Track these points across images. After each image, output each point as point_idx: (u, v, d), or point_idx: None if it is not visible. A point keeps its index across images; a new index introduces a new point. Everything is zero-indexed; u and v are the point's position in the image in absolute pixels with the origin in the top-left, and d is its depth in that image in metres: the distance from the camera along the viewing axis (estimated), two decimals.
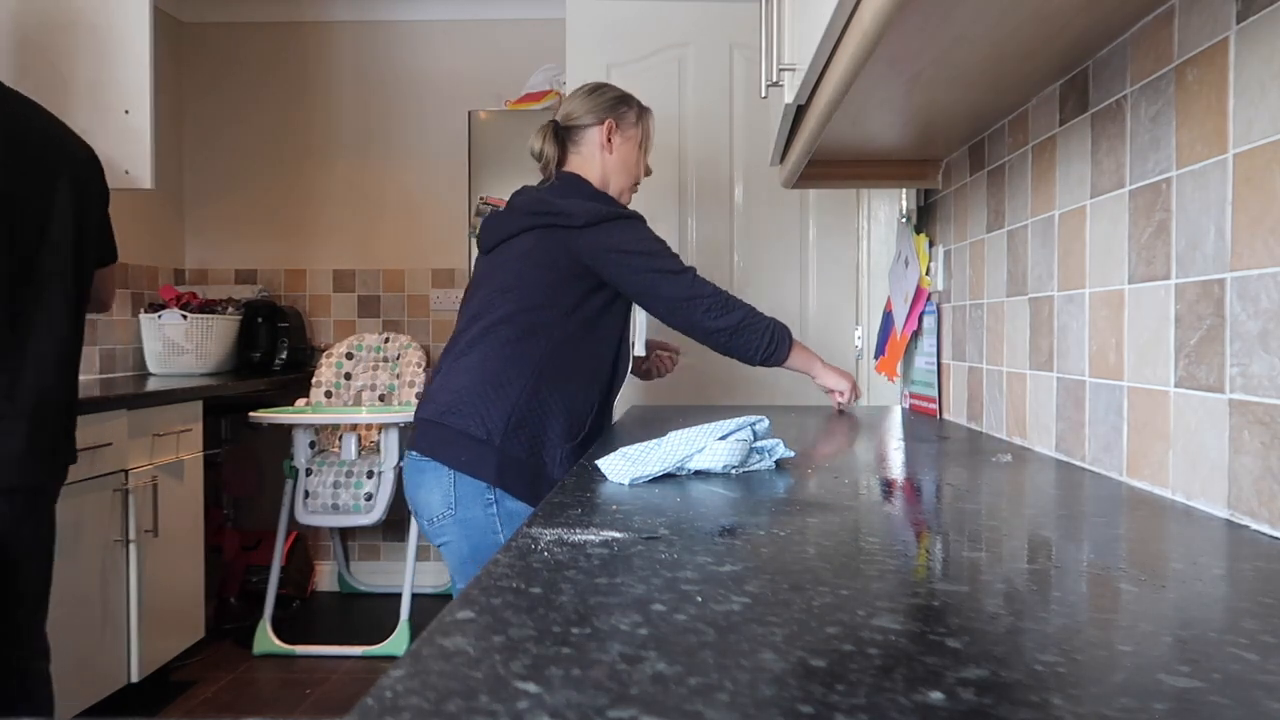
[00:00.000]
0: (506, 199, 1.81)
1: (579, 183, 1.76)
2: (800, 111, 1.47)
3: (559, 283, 1.65)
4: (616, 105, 1.81)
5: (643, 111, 1.86)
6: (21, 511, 1.81)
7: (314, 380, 3.58)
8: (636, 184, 1.88)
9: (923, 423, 1.83)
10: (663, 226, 2.74)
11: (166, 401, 2.77)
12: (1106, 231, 1.16)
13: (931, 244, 2.02)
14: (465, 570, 1.61)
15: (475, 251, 3.39)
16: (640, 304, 1.73)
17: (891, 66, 1.18)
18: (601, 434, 1.68)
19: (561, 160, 1.81)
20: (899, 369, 2.19)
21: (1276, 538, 0.79)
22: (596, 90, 1.83)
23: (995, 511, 0.94)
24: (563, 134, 1.81)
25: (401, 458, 3.53)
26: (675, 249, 2.73)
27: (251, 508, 3.86)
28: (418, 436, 1.66)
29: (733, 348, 1.74)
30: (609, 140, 1.79)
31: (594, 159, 1.80)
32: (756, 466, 1.18)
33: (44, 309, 1.82)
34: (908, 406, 2.18)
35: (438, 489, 1.60)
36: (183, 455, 2.85)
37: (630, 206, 1.79)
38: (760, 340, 1.73)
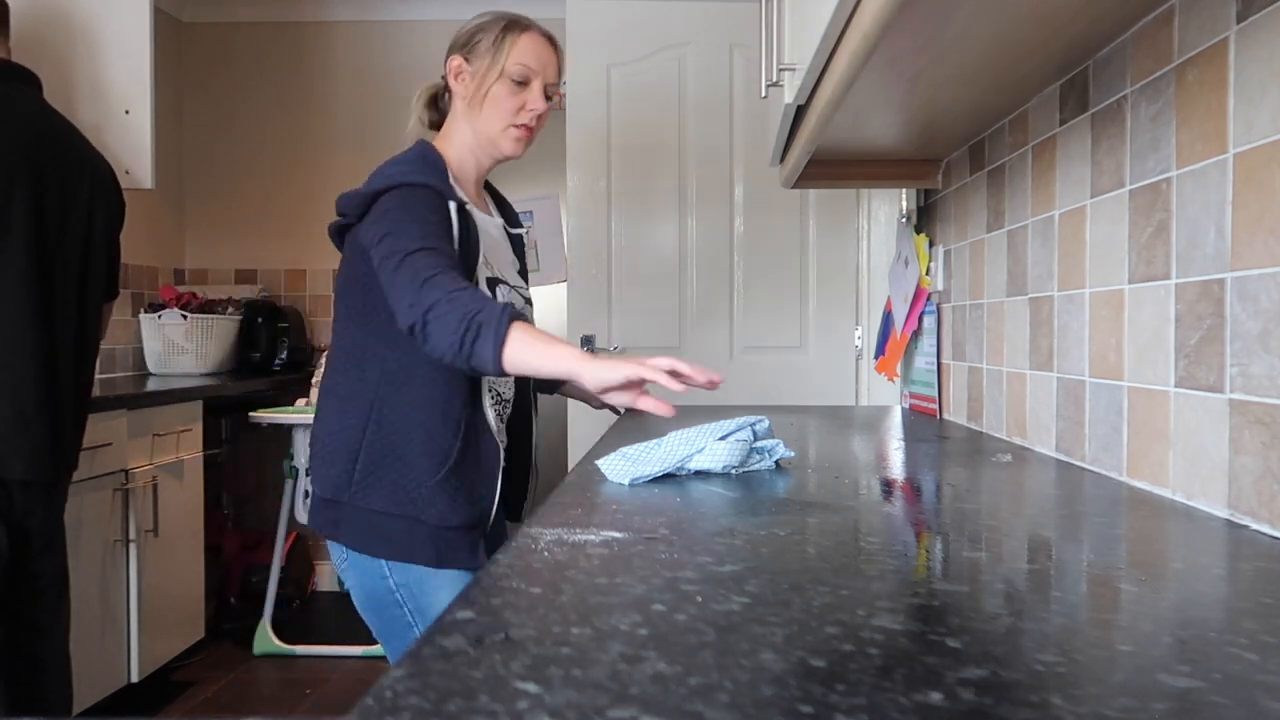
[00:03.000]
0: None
1: (395, 160, 1.40)
2: (800, 111, 1.47)
3: (367, 294, 1.33)
4: (473, 35, 1.44)
5: (510, 30, 1.43)
6: (39, 505, 1.87)
7: (314, 380, 3.57)
8: (523, 125, 1.44)
9: (923, 423, 1.83)
10: (663, 226, 2.75)
11: (166, 401, 2.77)
12: (1106, 231, 1.16)
13: (931, 244, 2.02)
14: (367, 615, 1.39)
15: None
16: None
17: (891, 66, 1.18)
18: (481, 454, 1.37)
19: (434, 123, 1.53)
20: (899, 369, 2.19)
21: (1276, 538, 0.79)
22: (460, 30, 1.48)
23: (995, 511, 0.94)
24: (443, 92, 1.51)
25: None
26: (675, 249, 2.76)
27: (251, 508, 3.86)
28: None
29: (441, 354, 1.21)
30: (456, 79, 1.44)
31: (452, 108, 1.48)
32: (756, 466, 1.17)
33: (66, 315, 1.91)
34: (908, 406, 2.18)
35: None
36: (183, 455, 2.85)
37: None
38: (457, 340, 1.18)
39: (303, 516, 3.15)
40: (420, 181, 1.33)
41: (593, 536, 0.79)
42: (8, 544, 1.80)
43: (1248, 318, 0.84)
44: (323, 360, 3.56)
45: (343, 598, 3.81)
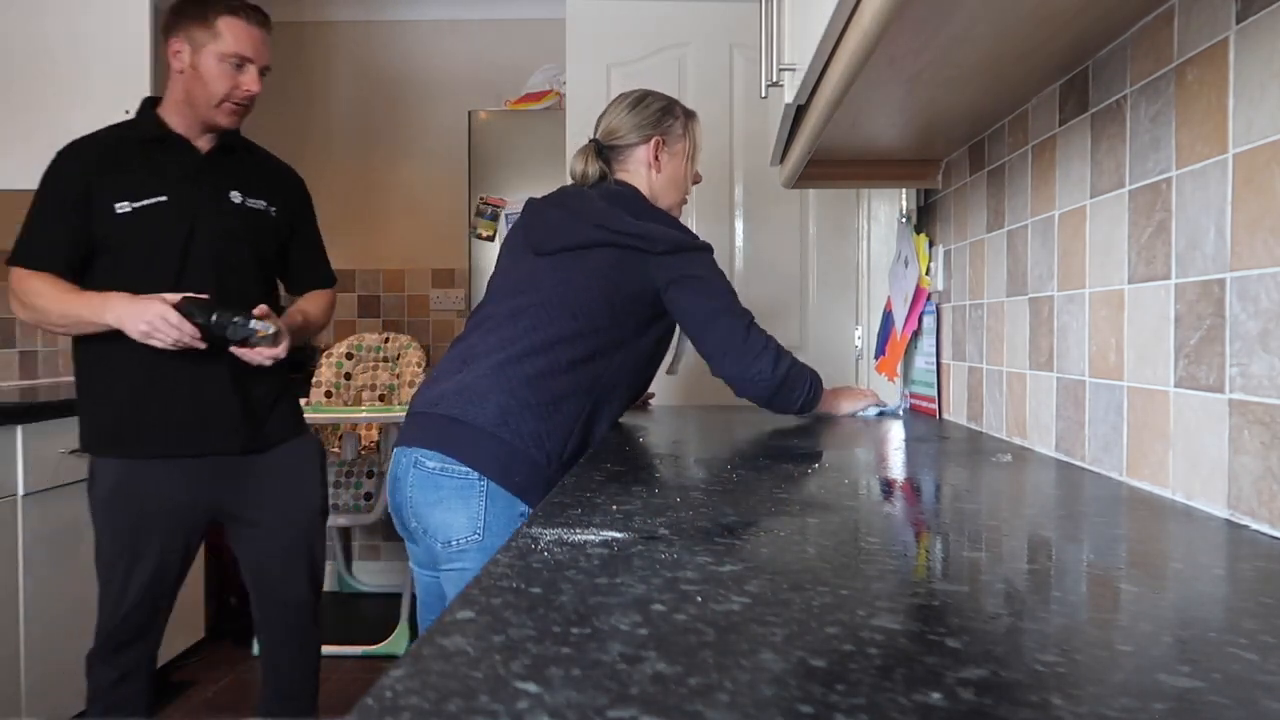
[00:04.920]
0: (506, 199, 1.80)
1: (641, 199, 1.68)
2: (800, 111, 1.47)
3: (626, 306, 1.58)
4: (662, 119, 1.74)
5: (689, 119, 1.78)
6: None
7: (314, 380, 3.58)
8: (685, 198, 1.81)
9: (923, 423, 1.83)
10: None
11: None
12: (1106, 231, 1.16)
13: (931, 244, 2.02)
14: (485, 554, 1.47)
15: (474, 251, 3.41)
16: (693, 339, 1.64)
17: (891, 66, 1.18)
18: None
19: (605, 179, 1.73)
20: (899, 369, 2.19)
21: (1276, 538, 0.79)
22: (640, 103, 1.75)
23: (995, 511, 0.94)
24: (605, 152, 1.74)
25: None
26: None
27: None
28: (445, 440, 1.47)
29: (773, 402, 1.67)
30: (656, 158, 1.72)
31: (640, 176, 1.72)
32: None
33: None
34: (907, 406, 2.18)
35: (463, 510, 1.44)
36: None
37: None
38: (800, 395, 1.68)
39: None
40: (710, 246, 1.66)
41: (593, 536, 0.79)
42: None
43: (1248, 318, 0.85)
44: (323, 359, 3.57)
45: (343, 598, 3.81)
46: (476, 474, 1.44)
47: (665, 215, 1.67)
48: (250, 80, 1.86)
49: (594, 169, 1.72)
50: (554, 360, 1.52)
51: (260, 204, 1.98)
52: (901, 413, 1.95)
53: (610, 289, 1.57)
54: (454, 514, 1.44)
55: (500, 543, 1.43)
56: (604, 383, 1.56)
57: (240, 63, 1.84)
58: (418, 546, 1.56)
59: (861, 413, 1.85)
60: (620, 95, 1.78)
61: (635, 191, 1.70)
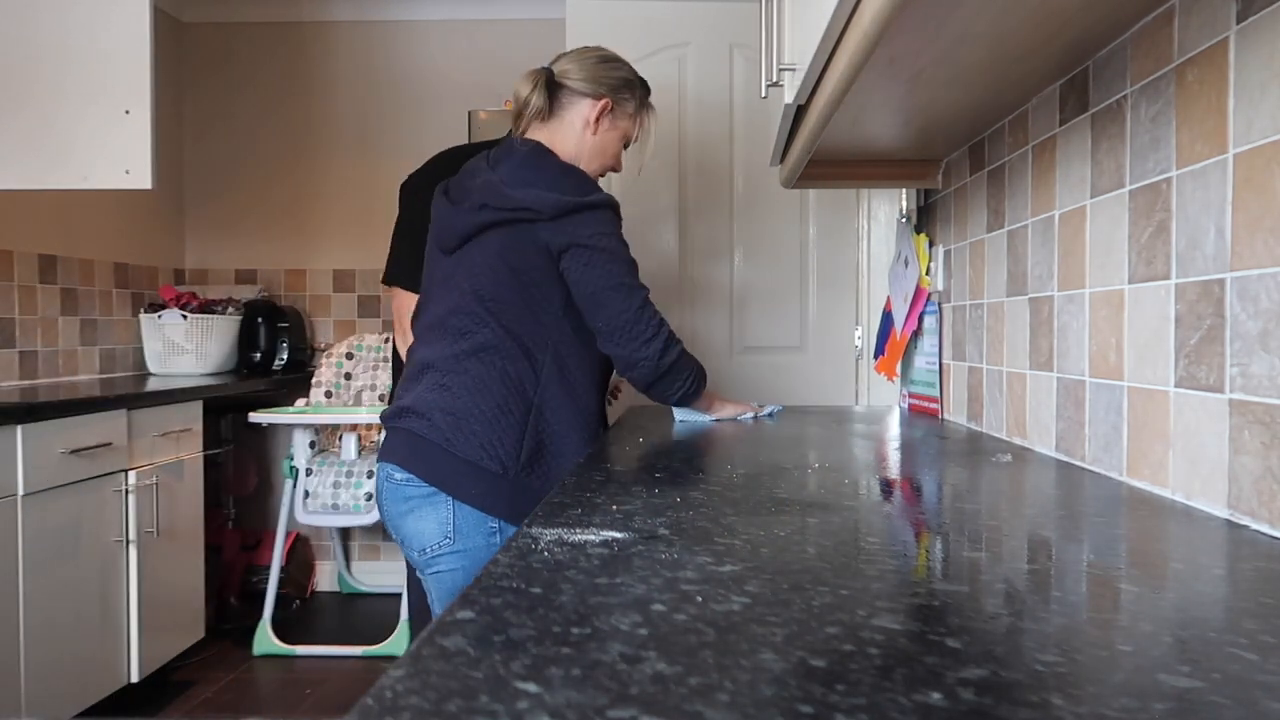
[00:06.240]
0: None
1: (539, 159, 1.54)
2: (800, 111, 1.47)
3: (535, 284, 1.48)
4: (620, 89, 1.64)
5: (644, 106, 1.70)
6: None
7: (314, 380, 3.58)
8: (607, 172, 1.71)
9: (923, 423, 1.83)
10: (663, 226, 2.75)
11: (166, 401, 2.77)
12: (1106, 231, 1.16)
13: (931, 244, 2.02)
14: (459, 578, 1.49)
15: None
16: (584, 313, 1.51)
17: (891, 66, 1.18)
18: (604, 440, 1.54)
19: (545, 116, 1.62)
20: (898, 369, 2.19)
21: (1276, 538, 0.79)
22: (606, 62, 1.64)
23: (995, 511, 0.94)
24: (554, 89, 1.61)
25: None
26: (675, 249, 2.76)
27: (251, 508, 3.86)
28: (407, 456, 1.48)
29: (652, 389, 1.57)
30: (596, 120, 1.62)
31: (573, 130, 1.61)
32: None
33: None
34: (906, 406, 2.18)
35: (432, 519, 1.45)
36: (183, 455, 2.85)
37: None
38: (680, 387, 1.58)
39: (303, 516, 3.15)
40: (610, 201, 1.52)
41: (593, 536, 0.79)
42: None
43: (1248, 318, 0.85)
44: (323, 359, 3.57)
45: (343, 598, 3.81)
46: (438, 490, 1.45)
47: (558, 169, 1.52)
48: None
49: (539, 99, 1.60)
50: (488, 364, 1.47)
51: None
52: (774, 415, 1.88)
53: (513, 271, 1.48)
54: (424, 522, 1.45)
55: (473, 544, 1.44)
56: (545, 376, 1.48)
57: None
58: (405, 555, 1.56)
59: (742, 417, 1.78)
60: (592, 46, 1.68)
61: (536, 146, 1.56)
